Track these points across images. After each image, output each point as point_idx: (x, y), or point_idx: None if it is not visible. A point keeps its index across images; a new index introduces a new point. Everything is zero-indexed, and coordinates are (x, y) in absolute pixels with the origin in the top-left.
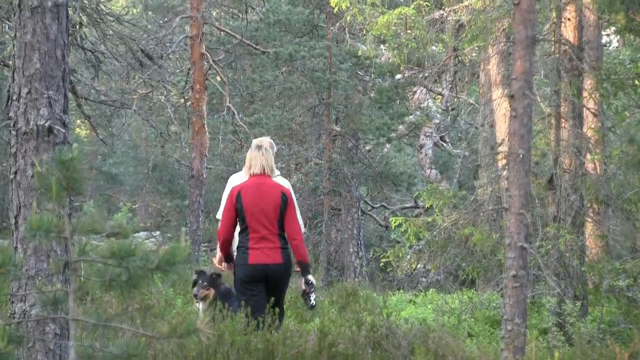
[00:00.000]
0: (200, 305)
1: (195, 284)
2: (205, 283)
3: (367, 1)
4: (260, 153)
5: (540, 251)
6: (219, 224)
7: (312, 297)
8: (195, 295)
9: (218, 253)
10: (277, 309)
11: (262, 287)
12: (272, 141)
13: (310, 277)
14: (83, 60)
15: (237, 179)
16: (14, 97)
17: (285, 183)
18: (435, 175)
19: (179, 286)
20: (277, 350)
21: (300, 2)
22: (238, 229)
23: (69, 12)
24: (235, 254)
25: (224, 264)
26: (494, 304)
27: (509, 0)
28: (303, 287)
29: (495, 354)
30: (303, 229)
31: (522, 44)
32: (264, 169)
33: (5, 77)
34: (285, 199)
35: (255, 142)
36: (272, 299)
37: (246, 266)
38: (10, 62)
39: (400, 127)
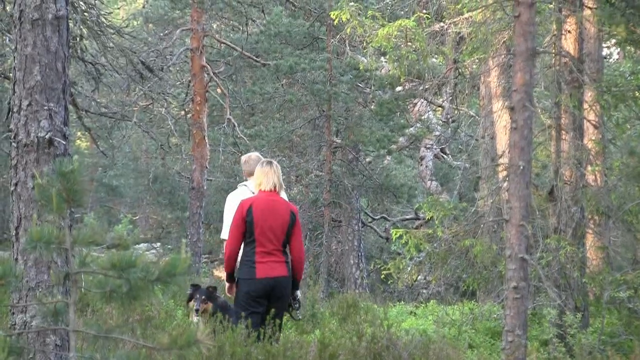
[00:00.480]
0: (197, 319)
1: (191, 298)
2: (203, 297)
3: (367, 14)
4: (272, 170)
5: (541, 263)
6: (225, 242)
7: (298, 312)
8: (197, 310)
9: (227, 284)
10: (277, 321)
11: (264, 302)
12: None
13: (298, 292)
14: (83, 72)
15: (237, 197)
16: (15, 109)
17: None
18: (435, 187)
19: (179, 298)
20: None
21: (301, 15)
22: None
23: (70, 24)
24: (238, 268)
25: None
26: (495, 316)
27: (509, 12)
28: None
29: None
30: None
31: (523, 56)
32: (275, 186)
33: (6, 89)
34: (293, 219)
35: (250, 157)
36: (273, 310)
37: (253, 280)
38: (11, 75)
39: (401, 139)
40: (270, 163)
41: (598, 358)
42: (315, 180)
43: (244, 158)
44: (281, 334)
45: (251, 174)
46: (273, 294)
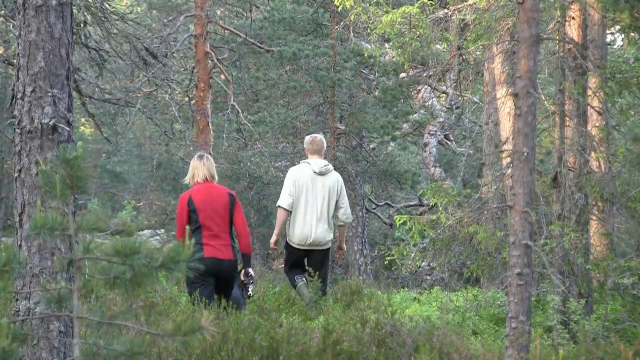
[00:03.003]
0: None
1: None
2: None
3: (371, 0)
4: (203, 163)
5: (545, 249)
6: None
7: (250, 288)
8: None
9: (274, 236)
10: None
11: (212, 280)
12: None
13: (250, 270)
14: (87, 58)
15: (297, 170)
16: (19, 96)
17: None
18: (439, 173)
19: (183, 284)
20: (281, 348)
21: (305, 1)
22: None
23: (73, 10)
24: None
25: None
26: (499, 302)
27: None
28: (242, 278)
29: (500, 351)
30: (350, 218)
31: (526, 43)
32: (206, 177)
33: (10, 75)
34: (232, 199)
35: (315, 137)
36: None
37: (201, 259)
38: (15, 61)
39: (405, 125)
40: (201, 157)
41: (602, 344)
42: None
43: (309, 138)
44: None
45: (314, 152)
46: (219, 276)
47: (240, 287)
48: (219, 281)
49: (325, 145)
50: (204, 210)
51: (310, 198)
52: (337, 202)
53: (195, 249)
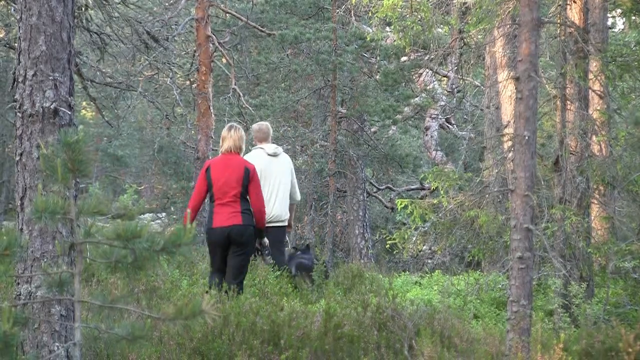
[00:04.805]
0: None
1: None
2: None
3: None
4: (230, 134)
5: (546, 233)
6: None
7: (268, 258)
8: None
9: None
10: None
11: (223, 248)
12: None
13: (265, 240)
14: (89, 42)
15: (252, 157)
16: (20, 79)
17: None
18: (440, 157)
19: (184, 268)
20: (282, 332)
21: None
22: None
23: None
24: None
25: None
26: (500, 286)
27: None
28: (257, 246)
29: (501, 335)
30: (299, 196)
31: (528, 27)
32: (231, 149)
33: (11, 59)
34: (248, 173)
35: (262, 125)
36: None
37: (210, 229)
38: (16, 44)
39: (406, 109)
40: (230, 127)
41: (603, 328)
42: (320, 150)
43: (256, 127)
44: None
45: (262, 139)
46: (230, 240)
47: (260, 254)
48: (231, 246)
49: (271, 131)
50: (217, 181)
51: (269, 178)
52: (290, 180)
53: (208, 218)
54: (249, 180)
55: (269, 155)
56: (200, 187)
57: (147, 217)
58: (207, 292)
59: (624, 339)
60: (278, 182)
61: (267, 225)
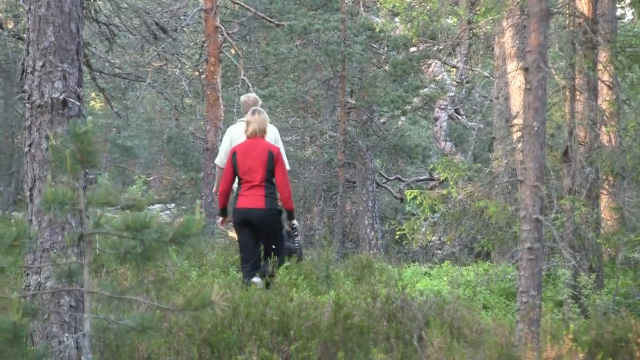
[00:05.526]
0: None
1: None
2: None
3: None
4: (254, 118)
5: (556, 223)
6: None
7: (297, 238)
8: None
9: (219, 217)
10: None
11: (248, 229)
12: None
13: (294, 222)
14: (97, 33)
15: (233, 129)
16: (29, 70)
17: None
18: (450, 147)
19: (193, 258)
20: (292, 322)
21: None
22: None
23: None
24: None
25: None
26: (509, 276)
27: None
28: (287, 229)
29: (511, 326)
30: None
31: (537, 17)
32: (256, 133)
33: (20, 50)
34: (272, 156)
35: (249, 97)
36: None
37: (235, 210)
38: (25, 35)
39: (415, 99)
40: (254, 112)
41: (612, 318)
42: (329, 140)
43: (243, 98)
44: (277, 270)
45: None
46: (254, 223)
47: (289, 238)
48: (256, 229)
49: (259, 103)
50: (242, 165)
51: None
52: None
53: (235, 200)
54: (273, 163)
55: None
56: (227, 171)
57: (156, 207)
58: (246, 289)
59: (633, 329)
60: None
61: None
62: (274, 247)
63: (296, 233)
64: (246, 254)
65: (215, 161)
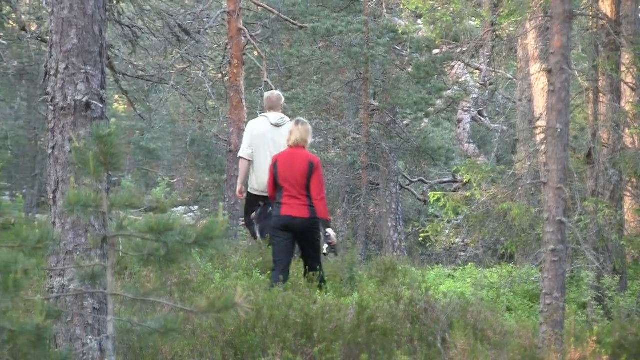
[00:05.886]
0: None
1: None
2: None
3: None
4: (297, 128)
5: (579, 225)
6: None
7: (325, 246)
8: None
9: (239, 185)
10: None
11: (288, 234)
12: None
13: (328, 230)
14: (120, 35)
15: (254, 123)
16: (52, 73)
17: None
18: (473, 149)
19: (217, 261)
20: (315, 325)
21: None
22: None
23: None
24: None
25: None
26: (533, 278)
27: None
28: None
29: (534, 328)
30: None
31: (560, 19)
32: (298, 142)
33: (43, 52)
34: (311, 167)
35: (273, 94)
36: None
37: (278, 216)
38: (48, 38)
39: (438, 101)
40: (297, 122)
41: (636, 320)
42: (352, 143)
43: (267, 94)
44: (319, 275)
45: (271, 108)
46: (295, 231)
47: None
48: (297, 236)
49: (281, 100)
50: (283, 174)
51: (269, 148)
52: None
53: (275, 207)
54: (311, 173)
55: (271, 124)
56: (270, 181)
57: (179, 210)
58: (272, 286)
59: None
60: (277, 152)
61: (266, 194)
62: (315, 253)
63: (330, 241)
64: (279, 258)
65: (239, 154)
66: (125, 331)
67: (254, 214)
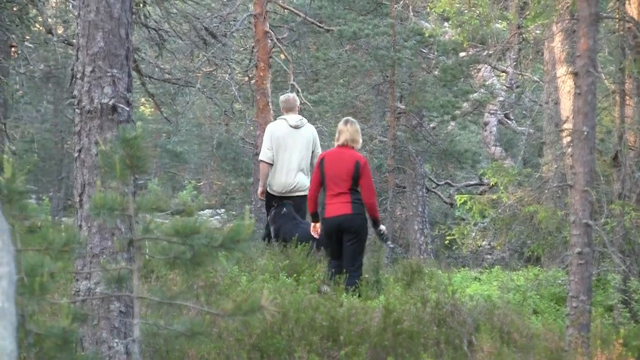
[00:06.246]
0: None
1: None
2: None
3: None
4: (346, 127)
5: (605, 228)
6: (262, 163)
7: (388, 243)
8: None
9: (260, 187)
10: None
11: (338, 235)
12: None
13: (381, 227)
14: (147, 38)
15: (274, 126)
16: (78, 76)
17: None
18: (499, 152)
19: (243, 264)
20: (341, 328)
21: None
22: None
23: None
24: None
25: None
26: (559, 281)
27: None
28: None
29: (561, 331)
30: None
31: (586, 22)
32: (347, 141)
33: (69, 55)
34: (358, 166)
35: (289, 97)
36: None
37: (324, 219)
38: (74, 41)
39: (465, 104)
40: (346, 121)
41: None
42: (379, 146)
43: (283, 97)
44: (358, 275)
45: (288, 110)
46: (342, 228)
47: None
48: (345, 234)
49: (298, 102)
50: (328, 172)
51: (289, 150)
52: (313, 151)
53: (320, 209)
54: (359, 173)
55: (290, 126)
56: (315, 177)
57: (206, 213)
58: (330, 279)
59: None
60: (297, 153)
61: (289, 194)
62: (355, 252)
63: (385, 238)
64: (334, 255)
65: (260, 157)
66: (152, 334)
67: (269, 217)
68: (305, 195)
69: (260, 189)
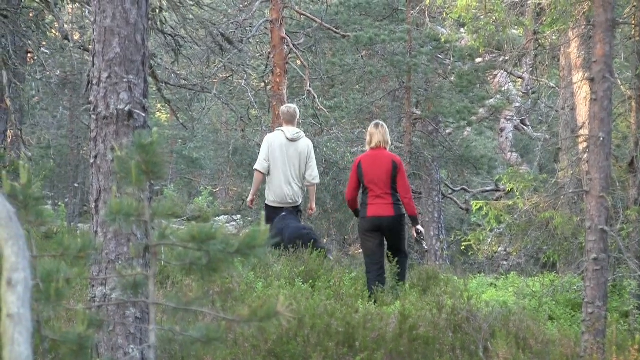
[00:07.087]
0: None
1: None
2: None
3: None
4: (378, 130)
5: (621, 234)
6: (256, 172)
7: (423, 243)
8: None
9: (250, 196)
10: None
11: (377, 235)
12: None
13: (418, 227)
14: (163, 44)
15: (271, 137)
16: (94, 82)
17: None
18: (515, 158)
19: (259, 270)
20: (357, 334)
21: None
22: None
23: None
24: (360, 209)
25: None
26: (575, 287)
27: None
28: (414, 234)
29: (576, 337)
30: (317, 179)
31: (602, 27)
32: (379, 143)
33: (85, 61)
34: (395, 166)
35: (290, 107)
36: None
37: (365, 218)
38: (90, 47)
39: (481, 110)
40: (377, 125)
41: None
42: (395, 151)
43: (283, 108)
44: (403, 273)
45: (288, 122)
46: (383, 229)
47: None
48: (385, 234)
49: (298, 114)
50: (368, 175)
51: (284, 162)
52: (306, 164)
53: (361, 208)
54: (396, 172)
55: (287, 139)
56: (352, 180)
57: (222, 219)
58: (372, 286)
59: None
60: (292, 166)
61: (281, 205)
62: (400, 245)
63: (422, 237)
64: (373, 259)
65: (255, 166)
66: (167, 340)
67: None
68: (298, 206)
69: (250, 197)
